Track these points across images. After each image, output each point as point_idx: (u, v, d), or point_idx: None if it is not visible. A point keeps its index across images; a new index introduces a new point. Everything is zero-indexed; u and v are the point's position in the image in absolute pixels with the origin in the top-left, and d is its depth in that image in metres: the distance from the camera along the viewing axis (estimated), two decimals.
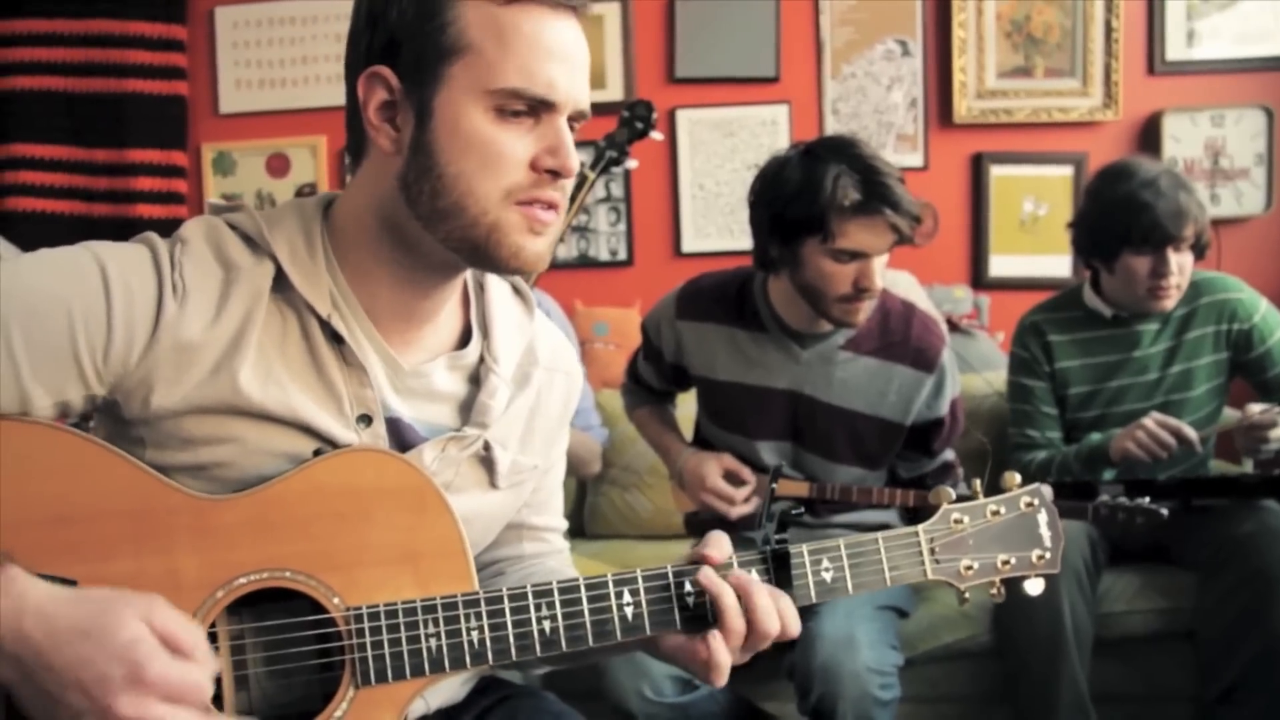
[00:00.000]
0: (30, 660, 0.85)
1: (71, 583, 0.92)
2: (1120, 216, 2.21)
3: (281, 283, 1.04)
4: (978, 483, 1.21)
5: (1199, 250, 2.25)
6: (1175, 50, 3.46)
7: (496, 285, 1.19)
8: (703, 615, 1.05)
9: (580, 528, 3.13)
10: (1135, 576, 2.34)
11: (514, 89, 0.98)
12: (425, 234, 1.03)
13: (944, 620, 2.30)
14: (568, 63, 1.01)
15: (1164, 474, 2.31)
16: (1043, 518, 1.20)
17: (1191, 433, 2.16)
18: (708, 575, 1.04)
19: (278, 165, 3.69)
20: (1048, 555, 1.19)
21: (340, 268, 1.07)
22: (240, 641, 0.99)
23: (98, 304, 0.96)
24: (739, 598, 1.03)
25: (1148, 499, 1.93)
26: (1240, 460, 2.78)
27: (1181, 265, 2.22)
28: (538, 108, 1.00)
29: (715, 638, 1.03)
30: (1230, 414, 2.42)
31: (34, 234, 3.36)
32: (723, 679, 1.03)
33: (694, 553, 1.08)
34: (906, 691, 2.00)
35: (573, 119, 1.04)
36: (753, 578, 1.05)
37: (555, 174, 1.01)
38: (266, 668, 0.99)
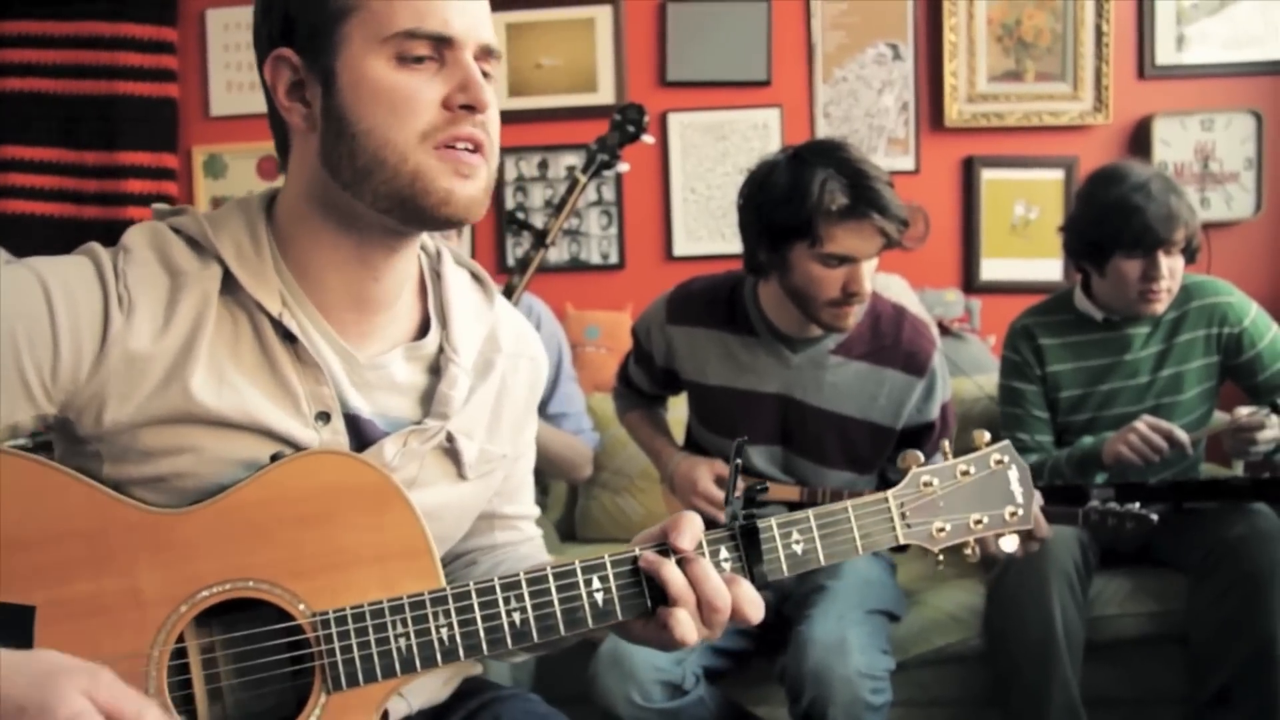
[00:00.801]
0: None
1: (30, 609, 0.90)
2: (1111, 219, 2.21)
3: (230, 284, 1.03)
4: (946, 443, 1.20)
5: (1190, 254, 2.26)
6: (1165, 55, 3.47)
7: (454, 273, 1.18)
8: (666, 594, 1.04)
9: (571, 531, 3.12)
10: (1126, 579, 2.34)
11: (408, 30, 0.97)
12: (355, 202, 1.02)
13: (935, 624, 2.30)
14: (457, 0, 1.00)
15: (1155, 477, 2.31)
16: (1013, 474, 1.19)
17: (1183, 435, 2.16)
18: (648, 558, 1.04)
19: (269, 168, 3.68)
20: (1020, 511, 1.18)
21: (287, 263, 1.06)
22: (211, 655, 0.97)
23: (41, 322, 0.95)
24: (681, 568, 1.03)
25: (1138, 504, 1.94)
26: (1230, 463, 2.79)
27: (1172, 269, 2.23)
28: (439, 47, 0.99)
29: (673, 611, 1.02)
30: (1220, 417, 2.43)
31: (23, 237, 3.35)
32: (690, 639, 1.02)
33: (664, 529, 1.06)
34: (897, 695, 2.00)
35: (480, 58, 1.02)
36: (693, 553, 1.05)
37: (470, 109, 0.99)
38: (238, 679, 0.98)
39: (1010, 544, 1.18)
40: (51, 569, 0.92)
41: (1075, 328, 2.41)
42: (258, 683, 0.98)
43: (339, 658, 0.97)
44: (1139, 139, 3.47)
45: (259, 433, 1.01)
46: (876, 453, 2.11)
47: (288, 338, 1.03)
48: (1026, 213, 3.53)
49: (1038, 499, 1.94)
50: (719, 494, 2.11)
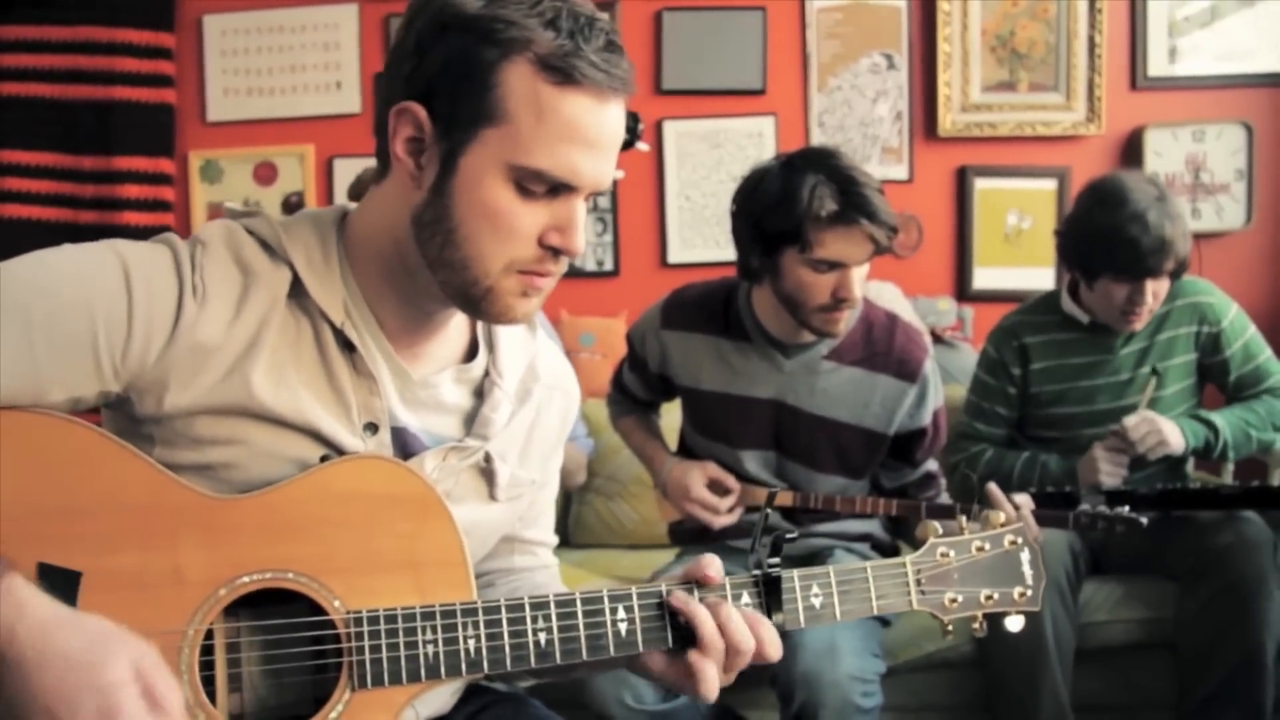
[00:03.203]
0: (13, 673, 0.84)
1: (77, 575, 0.93)
2: (1104, 245, 2.22)
3: (297, 289, 1.05)
4: (964, 519, 1.24)
5: (1176, 274, 2.27)
6: (1157, 66, 3.50)
7: None
8: (693, 634, 1.06)
9: (565, 537, 3.13)
10: (1117, 586, 2.35)
11: (538, 170, 0.98)
12: (425, 271, 1.05)
13: (925, 630, 2.30)
14: (598, 149, 1.01)
15: (1144, 473, 2.34)
16: (1025, 556, 1.24)
17: (1117, 435, 2.25)
18: (679, 597, 1.06)
19: (265, 174, 3.68)
20: (1029, 593, 1.22)
21: (354, 278, 1.08)
22: (242, 640, 0.99)
23: (119, 302, 0.97)
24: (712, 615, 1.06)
25: (1128, 508, 1.96)
26: (1220, 471, 2.81)
27: (1156, 291, 2.25)
28: (558, 189, 1.01)
29: (698, 656, 1.04)
30: None
31: (19, 241, 3.35)
32: (712, 694, 1.05)
33: (688, 572, 1.09)
34: (888, 700, 2.01)
35: (588, 197, 1.05)
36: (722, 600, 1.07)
37: (558, 251, 1.03)
38: (261, 667, 1.00)
39: (1016, 624, 1.22)
40: (101, 538, 0.95)
41: (1060, 327, 2.43)
42: (280, 673, 1.00)
43: (367, 656, 0.99)
44: (1131, 149, 3.50)
45: (309, 434, 1.03)
46: (869, 458, 2.12)
47: (347, 347, 1.06)
48: (1019, 222, 3.55)
49: (1028, 502, 1.97)
50: (712, 499, 2.12)
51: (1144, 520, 1.88)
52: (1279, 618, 2.15)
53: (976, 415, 2.51)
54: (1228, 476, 2.79)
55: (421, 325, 1.11)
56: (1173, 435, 2.23)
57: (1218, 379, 2.39)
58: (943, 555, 1.19)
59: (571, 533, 3.12)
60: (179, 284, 1.00)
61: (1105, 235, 2.22)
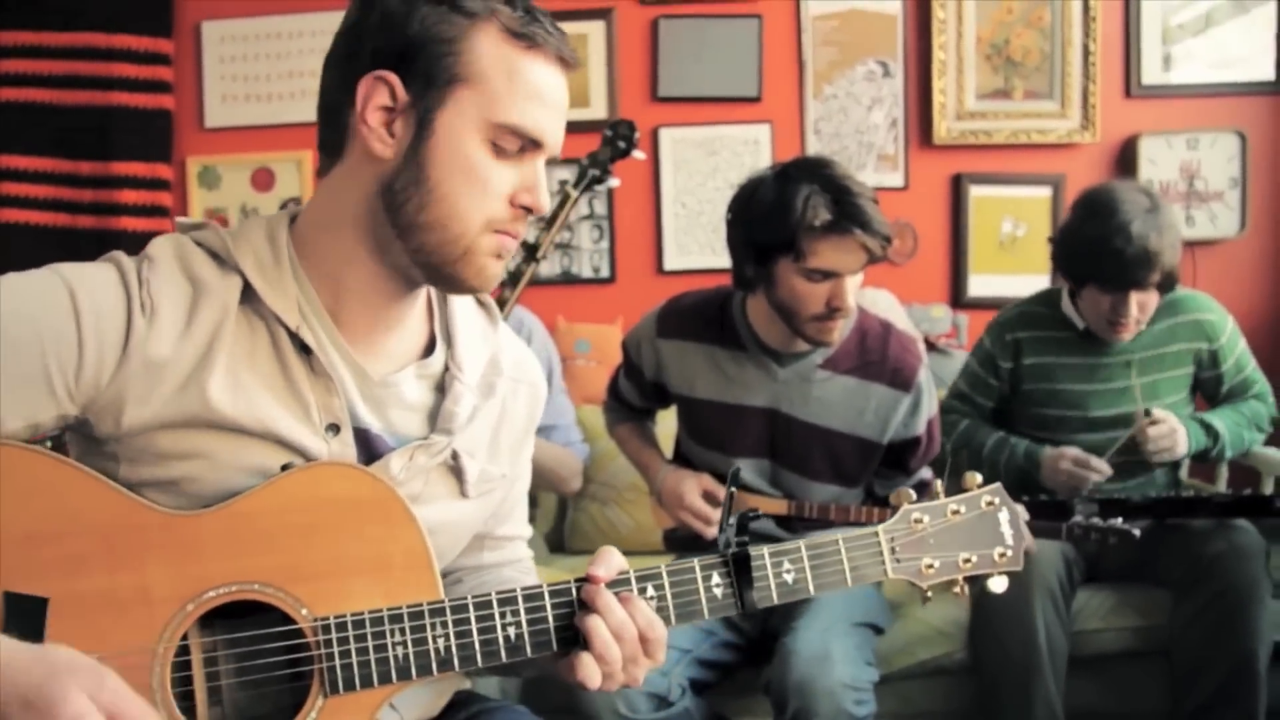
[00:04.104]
0: None
1: (43, 601, 0.93)
2: (1090, 256, 2.23)
3: (249, 295, 1.05)
4: (939, 483, 1.23)
5: (1165, 287, 2.28)
6: (1151, 74, 3.51)
7: (460, 297, 1.21)
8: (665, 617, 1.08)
9: (560, 543, 3.14)
10: (1110, 594, 2.36)
11: (514, 126, 1.04)
12: (397, 242, 1.06)
13: (919, 637, 2.31)
14: (558, 112, 1.08)
15: (1138, 480, 2.35)
16: (1004, 516, 1.22)
17: (1099, 462, 2.29)
18: (587, 590, 1.07)
19: (263, 179, 3.69)
20: (1009, 553, 1.21)
21: (308, 276, 1.09)
22: (213, 654, 1.00)
23: (68, 326, 0.98)
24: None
25: (1121, 519, 1.96)
26: (1214, 478, 2.82)
27: (1143, 303, 2.26)
28: (527, 147, 1.06)
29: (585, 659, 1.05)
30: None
31: (17, 246, 3.36)
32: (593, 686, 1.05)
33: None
34: (882, 708, 2.01)
35: (548, 159, 1.10)
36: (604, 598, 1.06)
37: (528, 210, 1.07)
38: (238, 679, 1.01)
39: (999, 585, 1.21)
40: (66, 563, 0.95)
41: (1058, 325, 2.45)
42: (257, 683, 1.01)
43: (338, 662, 1.00)
44: (1125, 157, 3.50)
45: (271, 440, 1.04)
46: (863, 467, 2.13)
47: (303, 349, 1.06)
48: (1014, 229, 3.56)
49: (1022, 512, 1.98)
50: (706, 508, 2.13)
51: (1136, 532, 1.89)
52: (1272, 626, 2.16)
53: (958, 397, 2.57)
54: (1221, 484, 2.80)
55: (380, 319, 1.12)
56: (1182, 445, 2.28)
57: (1210, 390, 2.41)
58: (916, 521, 1.18)
59: (567, 538, 3.12)
60: (127, 302, 1.00)
61: (1091, 245, 2.23)
